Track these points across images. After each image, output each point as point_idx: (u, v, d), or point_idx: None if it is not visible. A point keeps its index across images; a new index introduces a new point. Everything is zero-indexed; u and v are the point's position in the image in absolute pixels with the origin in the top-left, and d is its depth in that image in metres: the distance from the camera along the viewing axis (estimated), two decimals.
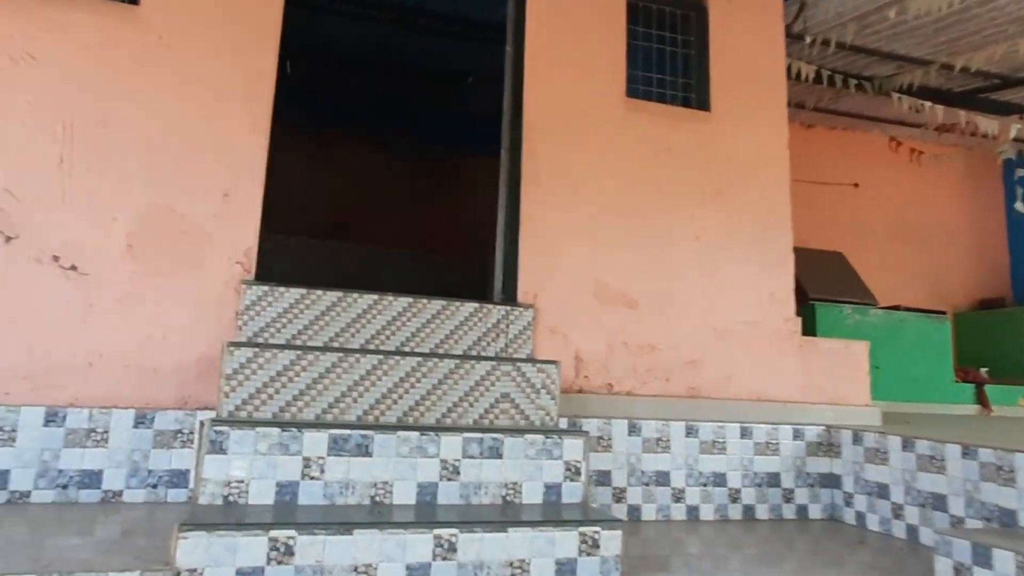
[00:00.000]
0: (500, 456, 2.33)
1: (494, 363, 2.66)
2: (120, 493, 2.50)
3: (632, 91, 3.57)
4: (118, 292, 2.64)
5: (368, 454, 2.20)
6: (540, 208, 3.26)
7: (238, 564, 1.79)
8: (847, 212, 7.08)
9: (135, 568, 1.77)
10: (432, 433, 2.28)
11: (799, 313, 3.59)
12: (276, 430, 2.13)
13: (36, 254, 2.58)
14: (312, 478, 2.14)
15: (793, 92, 4.88)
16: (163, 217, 2.74)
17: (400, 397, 2.53)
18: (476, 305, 3.01)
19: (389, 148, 6.87)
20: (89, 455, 2.49)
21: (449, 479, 2.26)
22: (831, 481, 3.24)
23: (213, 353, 2.67)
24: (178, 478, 2.56)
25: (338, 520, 1.94)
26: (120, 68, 2.78)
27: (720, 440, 3.16)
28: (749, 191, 3.62)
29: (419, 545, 1.91)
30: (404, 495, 2.21)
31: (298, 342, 2.74)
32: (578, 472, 2.40)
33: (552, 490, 2.35)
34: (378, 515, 2.05)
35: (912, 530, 2.81)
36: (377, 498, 2.18)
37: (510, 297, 3.17)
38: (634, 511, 2.98)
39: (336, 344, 2.78)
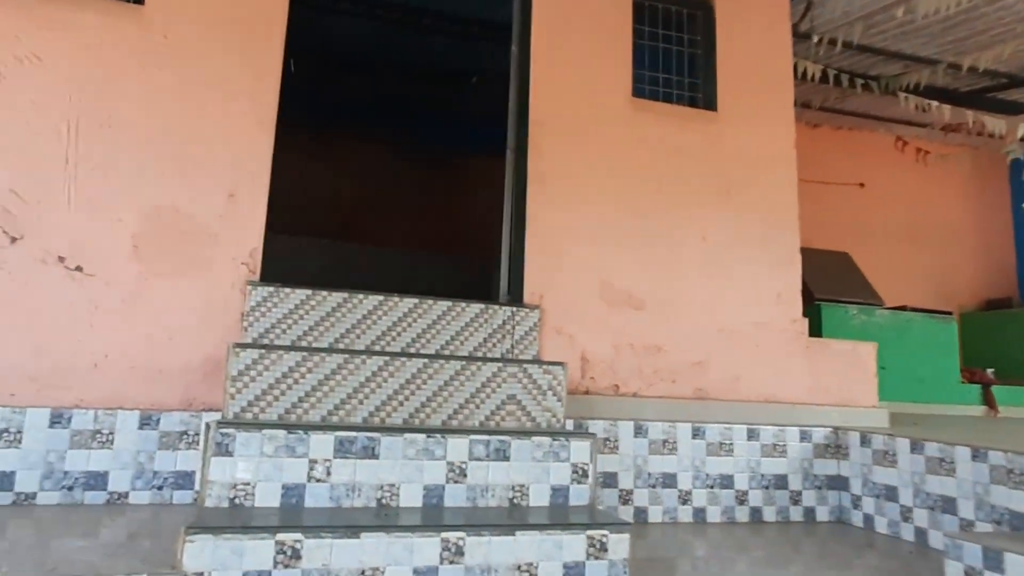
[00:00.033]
0: (507, 458, 2.31)
1: (500, 364, 2.65)
2: (126, 495, 2.49)
3: (639, 91, 3.55)
4: (123, 293, 2.64)
5: (374, 456, 2.19)
6: (546, 208, 3.25)
7: (245, 567, 1.78)
8: (853, 212, 7.06)
9: (142, 571, 1.76)
10: (439, 435, 2.26)
11: (805, 314, 3.58)
12: (282, 432, 2.12)
13: (41, 255, 2.57)
14: (318, 480, 2.13)
15: (799, 91, 4.85)
16: (168, 217, 2.74)
17: (406, 399, 2.52)
18: (482, 306, 2.99)
19: (392, 147, 6.87)
20: (95, 456, 2.49)
21: (456, 481, 2.25)
22: (839, 483, 3.22)
23: (219, 354, 2.66)
24: (184, 480, 2.55)
25: (345, 523, 1.93)
26: (125, 68, 2.78)
27: (727, 442, 3.14)
28: (756, 191, 3.60)
29: (426, 548, 1.90)
30: (410, 497, 2.20)
31: (304, 343, 2.74)
32: (585, 474, 2.38)
33: (559, 492, 2.34)
34: (385, 518, 2.04)
35: (921, 533, 2.79)
36: (383, 500, 2.17)
37: (516, 298, 3.16)
38: (640, 513, 2.97)
39: (342, 345, 2.77)
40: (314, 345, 2.74)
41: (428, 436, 2.25)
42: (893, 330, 5.51)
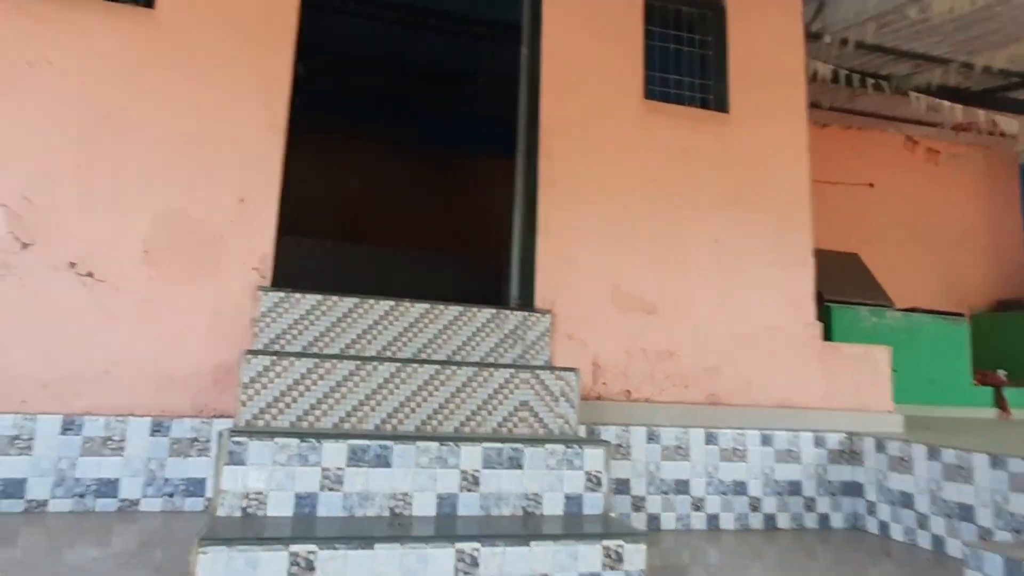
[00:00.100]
0: (520, 466, 2.29)
1: (512, 371, 2.63)
2: (137, 502, 2.49)
3: (650, 93, 3.52)
4: (134, 299, 2.63)
5: (387, 465, 2.17)
6: (557, 212, 3.22)
7: None
8: (862, 212, 7.01)
9: None
10: (452, 443, 2.24)
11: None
12: (295, 441, 2.11)
13: (53, 261, 2.56)
14: (331, 489, 2.11)
15: (809, 91, 4.81)
16: (179, 223, 2.72)
17: (418, 406, 2.50)
18: (493, 311, 2.97)
19: (399, 148, 6.86)
20: (106, 464, 2.48)
21: (469, 490, 2.23)
22: (853, 489, 3.19)
23: (229, 360, 2.65)
24: (195, 487, 2.54)
25: (358, 534, 1.91)
26: (136, 72, 2.77)
27: (740, 448, 3.11)
28: (768, 193, 3.57)
29: (441, 559, 1.88)
30: (423, 506, 2.18)
31: (314, 349, 2.72)
32: (599, 482, 2.36)
33: (573, 501, 2.32)
34: (398, 528, 2.02)
35: (938, 541, 2.75)
36: (396, 510, 2.15)
37: (527, 303, 3.13)
38: (653, 520, 2.95)
39: (353, 351, 2.76)
40: (325, 351, 2.72)
41: (441, 444, 2.23)
42: (904, 332, 5.47)
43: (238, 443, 2.06)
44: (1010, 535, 2.49)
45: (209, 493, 2.53)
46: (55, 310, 2.54)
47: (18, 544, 2.11)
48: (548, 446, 2.34)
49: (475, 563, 1.90)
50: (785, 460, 3.16)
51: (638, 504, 2.94)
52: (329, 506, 2.10)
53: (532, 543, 1.97)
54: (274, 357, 2.39)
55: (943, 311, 5.83)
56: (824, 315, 4.96)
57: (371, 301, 2.83)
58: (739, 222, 3.48)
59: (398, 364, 2.51)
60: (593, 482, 2.35)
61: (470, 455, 2.25)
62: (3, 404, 2.43)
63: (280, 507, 2.06)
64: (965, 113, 5.36)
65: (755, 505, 3.08)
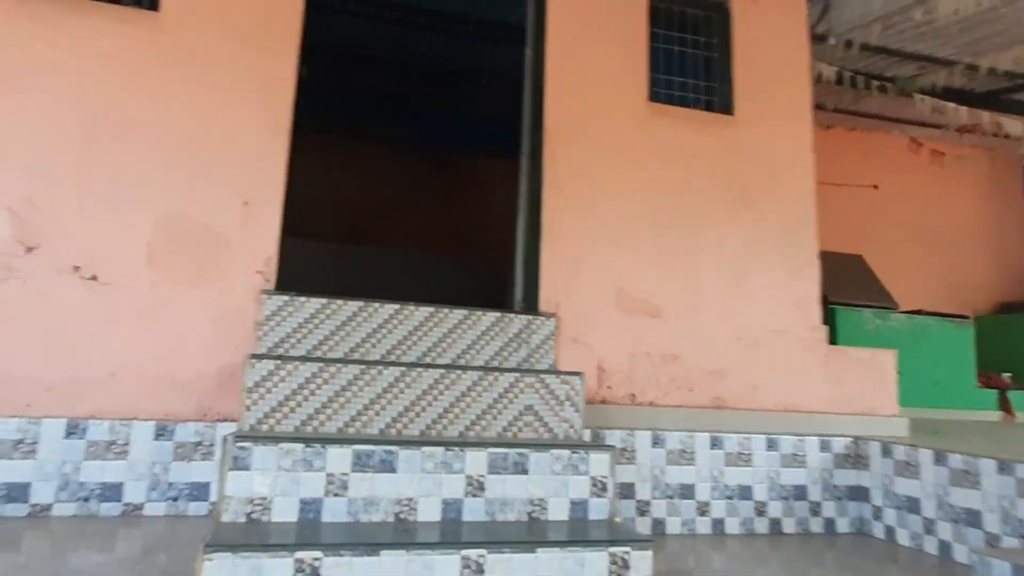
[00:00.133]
0: (526, 472, 2.28)
1: (518, 375, 2.62)
2: (141, 506, 2.48)
3: (654, 95, 3.51)
4: (138, 302, 2.62)
5: (392, 470, 2.16)
6: (561, 215, 3.21)
7: None
8: (866, 214, 6.98)
9: None
10: (457, 448, 2.23)
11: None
12: (300, 446, 2.10)
13: (57, 264, 2.56)
14: (336, 495, 2.10)
15: (813, 93, 4.80)
16: (183, 226, 2.72)
17: (423, 410, 2.49)
18: (498, 315, 2.96)
19: (399, 148, 6.85)
20: (110, 467, 2.47)
21: (474, 495, 2.22)
22: (859, 494, 3.17)
23: (234, 364, 2.64)
24: (198, 491, 2.53)
25: (363, 539, 1.90)
26: (140, 75, 2.76)
27: (746, 452, 3.10)
28: (774, 196, 3.55)
29: (447, 566, 1.87)
30: (429, 512, 2.17)
31: (319, 352, 2.71)
32: (604, 488, 2.35)
33: (578, 507, 2.31)
34: (403, 534, 2.01)
35: (945, 546, 2.74)
36: (401, 515, 2.14)
37: (531, 306, 3.12)
38: (658, 525, 2.93)
39: (357, 354, 2.75)
40: (329, 355, 2.71)
41: (447, 449, 2.22)
42: (908, 334, 5.45)
43: (242, 448, 2.05)
44: (1017, 541, 2.48)
45: (213, 497, 2.52)
46: (59, 313, 2.53)
47: (22, 549, 2.11)
48: (553, 451, 2.33)
49: (481, 570, 1.89)
50: (791, 464, 3.14)
51: (643, 509, 2.93)
52: (334, 511, 2.09)
53: (538, 550, 1.96)
54: (278, 361, 2.39)
55: (948, 313, 5.81)
56: (828, 317, 4.93)
57: (375, 304, 2.82)
58: (744, 225, 3.47)
59: (403, 368, 2.50)
60: (598, 487, 2.34)
61: (475, 460, 2.24)
62: (7, 408, 2.42)
63: (285, 512, 2.05)
64: (970, 115, 5.35)
65: (760, 510, 3.07)
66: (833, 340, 4.01)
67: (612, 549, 2.01)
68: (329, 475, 2.11)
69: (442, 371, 2.54)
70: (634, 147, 3.39)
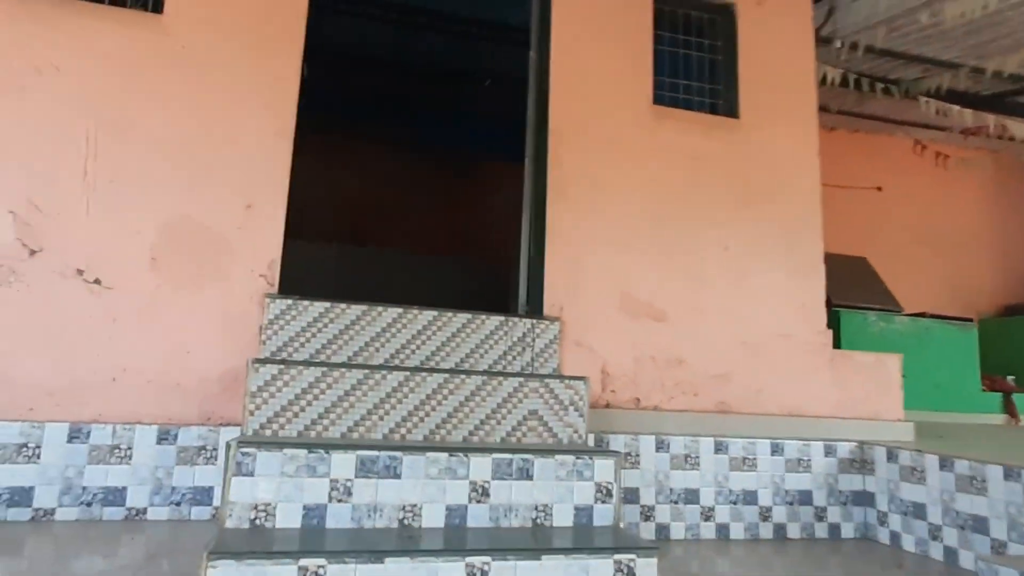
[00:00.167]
0: (530, 477, 2.27)
1: (522, 380, 2.61)
2: (144, 511, 2.47)
3: (659, 98, 3.50)
4: (141, 306, 2.61)
5: (396, 476, 2.15)
6: (565, 218, 3.20)
7: None
8: (870, 216, 6.96)
9: None
10: (461, 454, 2.22)
11: None
12: (303, 452, 2.09)
13: (60, 268, 2.55)
14: (339, 501, 2.09)
15: (818, 95, 4.79)
16: (187, 229, 2.71)
17: (427, 415, 2.48)
18: (501, 319, 2.95)
19: (400, 148, 6.85)
20: (113, 472, 2.46)
21: (479, 501, 2.21)
22: (864, 499, 3.16)
23: (237, 368, 2.63)
24: (202, 495, 2.53)
25: (367, 546, 1.89)
26: (143, 78, 2.75)
27: (750, 457, 3.08)
28: (779, 199, 3.54)
29: (451, 573, 1.86)
30: (433, 518, 2.16)
31: (322, 356, 2.70)
32: (609, 494, 2.33)
33: (583, 513, 2.29)
34: (408, 540, 2.00)
35: (951, 552, 2.72)
36: (405, 521, 2.13)
37: (535, 310, 3.11)
38: (662, 530, 2.92)
39: (361, 358, 2.74)
40: (333, 358, 2.71)
41: (451, 455, 2.21)
42: (913, 337, 5.43)
43: (246, 454, 2.04)
44: None
45: (216, 502, 2.52)
46: (62, 317, 2.53)
47: (24, 554, 2.10)
48: (558, 457, 2.32)
49: None
50: (795, 469, 3.13)
51: (647, 513, 2.91)
52: (338, 518, 2.08)
53: (543, 557, 1.95)
54: (282, 366, 2.38)
55: (952, 316, 5.79)
56: (832, 320, 4.92)
57: (379, 308, 2.81)
58: (749, 228, 3.46)
59: (406, 373, 2.49)
60: (603, 493, 2.33)
61: (480, 466, 2.23)
62: (10, 412, 2.42)
63: (288, 519, 2.04)
64: (975, 117, 5.33)
65: (765, 515, 3.06)
66: (837, 343, 3.99)
67: (617, 556, 2.00)
68: (333, 481, 2.10)
69: (446, 376, 2.52)
70: (638, 150, 3.38)
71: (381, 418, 2.43)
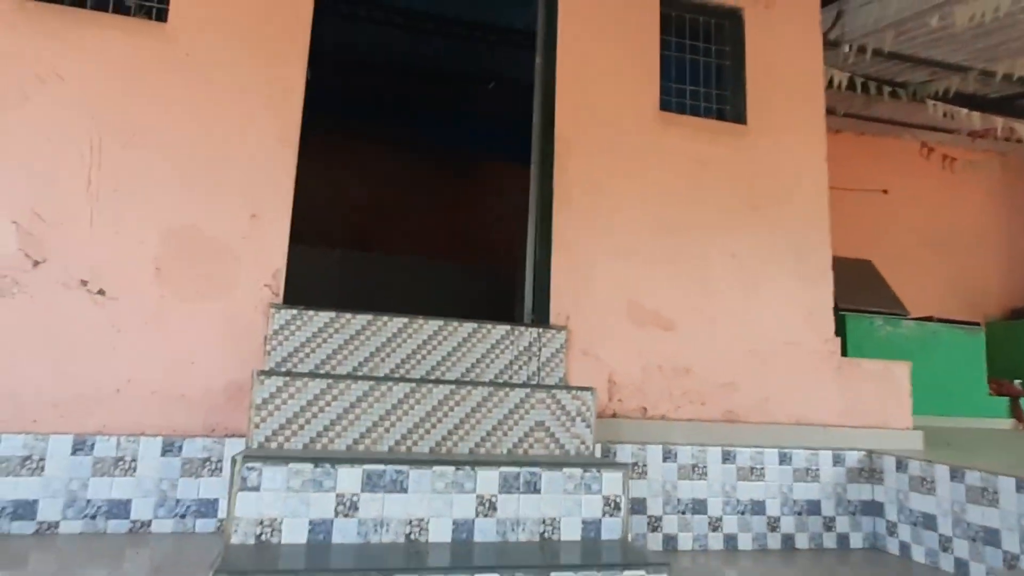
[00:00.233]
0: (538, 491, 2.25)
1: (528, 390, 2.59)
2: (148, 523, 2.45)
3: (666, 104, 3.47)
4: (146, 316, 2.60)
5: (403, 490, 2.13)
6: (572, 226, 3.18)
7: None
8: (876, 219, 6.92)
9: None
10: (468, 467, 2.20)
11: None
12: (309, 466, 2.07)
13: (64, 278, 2.54)
14: (346, 516, 2.07)
15: (825, 98, 4.76)
16: (191, 239, 2.69)
17: (433, 427, 2.46)
18: (507, 328, 2.93)
19: (400, 149, 6.84)
20: (117, 484, 2.45)
21: (486, 515, 2.19)
22: (873, 509, 3.13)
23: (241, 378, 2.62)
24: (207, 508, 2.51)
25: (375, 565, 1.87)
26: (148, 87, 2.74)
27: (758, 466, 3.06)
28: (787, 206, 3.51)
29: None
30: (439, 532, 2.14)
31: (327, 367, 2.68)
32: (617, 507, 2.31)
33: (591, 526, 2.27)
34: (415, 555, 1.98)
35: (961, 564, 2.69)
36: (412, 536, 2.11)
37: (541, 318, 3.09)
38: (670, 540, 2.90)
39: (366, 369, 2.72)
40: (338, 369, 2.69)
41: (457, 468, 2.19)
42: (919, 341, 5.39)
43: (251, 468, 2.02)
44: None
45: (221, 514, 2.50)
46: (66, 328, 2.51)
47: (28, 568, 2.08)
48: (566, 470, 2.30)
49: None
50: (803, 479, 3.10)
51: (654, 524, 2.89)
52: (344, 533, 2.06)
53: (552, 574, 1.93)
54: (287, 378, 2.36)
55: (959, 320, 5.75)
56: (838, 324, 4.88)
57: (385, 318, 2.79)
58: (757, 236, 3.43)
59: (412, 384, 2.47)
60: (611, 506, 2.31)
61: (487, 480, 2.21)
62: (14, 424, 2.40)
63: (294, 534, 2.02)
64: (983, 120, 5.29)
65: (773, 525, 3.03)
66: (843, 347, 3.97)
67: (627, 573, 1.98)
68: (339, 495, 2.08)
69: (452, 387, 2.51)
70: (645, 157, 3.35)
71: (387, 430, 2.41)
